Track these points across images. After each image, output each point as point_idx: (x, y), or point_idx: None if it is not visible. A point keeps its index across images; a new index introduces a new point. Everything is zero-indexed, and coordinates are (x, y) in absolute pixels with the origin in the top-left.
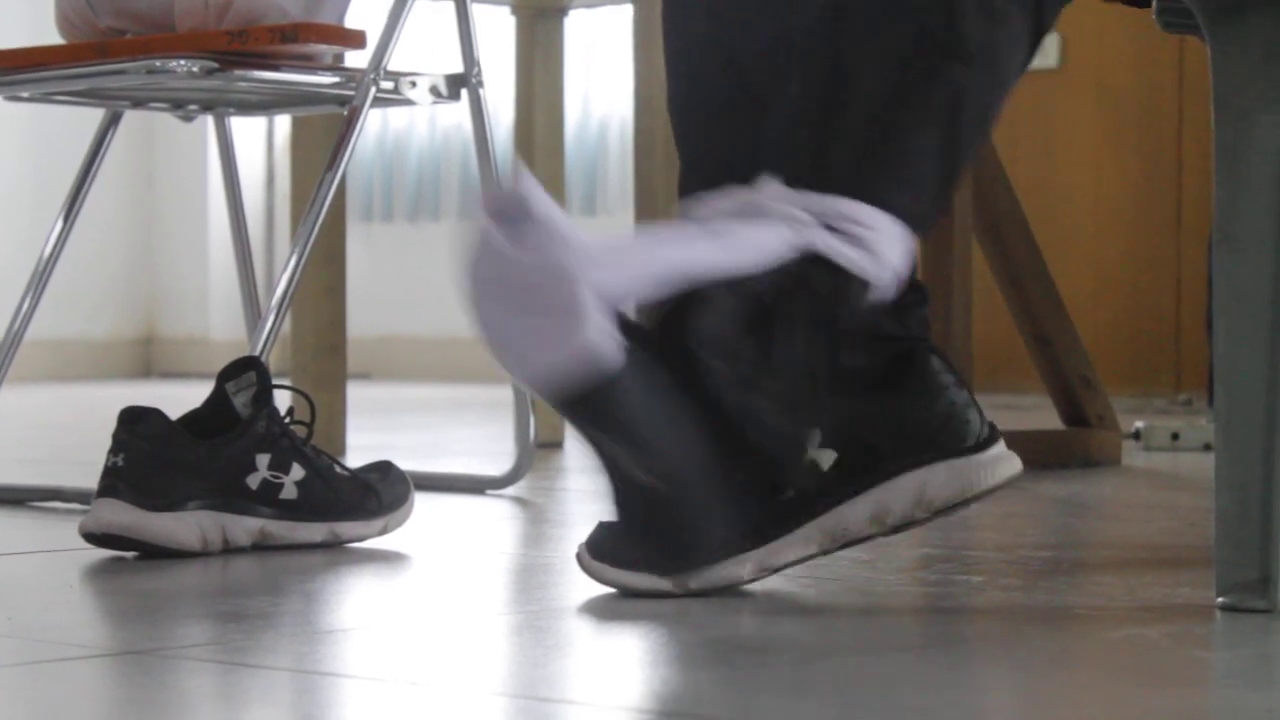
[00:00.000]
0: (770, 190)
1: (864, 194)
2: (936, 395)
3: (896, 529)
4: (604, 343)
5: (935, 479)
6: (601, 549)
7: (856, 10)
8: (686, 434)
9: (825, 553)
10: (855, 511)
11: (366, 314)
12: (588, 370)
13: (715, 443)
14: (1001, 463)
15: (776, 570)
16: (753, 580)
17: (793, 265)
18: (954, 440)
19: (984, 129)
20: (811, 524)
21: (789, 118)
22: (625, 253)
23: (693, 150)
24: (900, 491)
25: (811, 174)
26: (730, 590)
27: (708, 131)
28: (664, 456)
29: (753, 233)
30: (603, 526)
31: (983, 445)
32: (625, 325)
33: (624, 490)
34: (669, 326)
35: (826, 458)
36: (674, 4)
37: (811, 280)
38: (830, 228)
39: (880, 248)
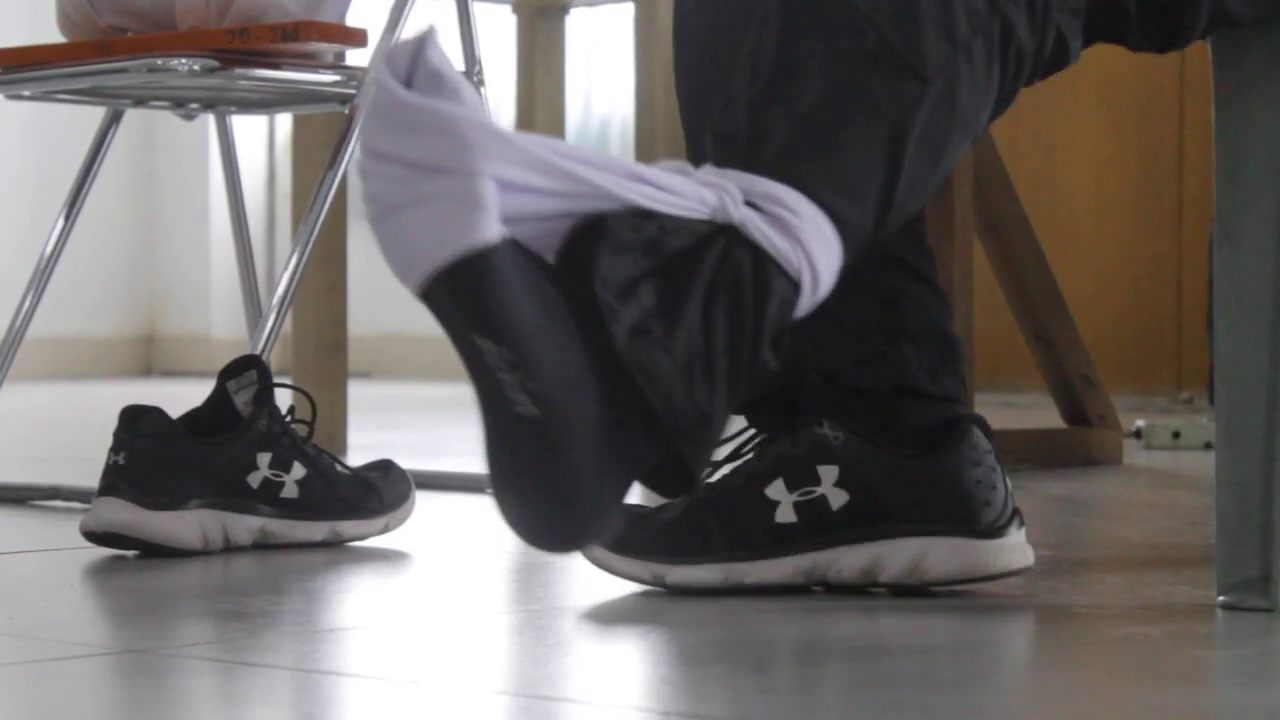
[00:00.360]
0: (706, 168)
1: (794, 182)
2: (967, 469)
3: (887, 587)
4: (490, 218)
5: (937, 552)
6: None
7: (814, 9)
8: (574, 362)
9: (807, 586)
10: (850, 558)
11: (368, 312)
12: (471, 241)
13: (607, 389)
14: (1010, 552)
15: (751, 587)
16: (726, 589)
17: (709, 231)
18: (968, 518)
19: (935, 162)
20: (805, 556)
21: (729, 100)
22: (530, 140)
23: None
24: (899, 553)
25: (745, 156)
26: (726, 591)
27: (692, 134)
28: (546, 374)
29: (675, 180)
30: None
31: (997, 531)
32: (514, 238)
33: (500, 428)
34: (565, 260)
35: (838, 498)
36: (676, 29)
37: (726, 252)
38: (754, 206)
39: (803, 236)
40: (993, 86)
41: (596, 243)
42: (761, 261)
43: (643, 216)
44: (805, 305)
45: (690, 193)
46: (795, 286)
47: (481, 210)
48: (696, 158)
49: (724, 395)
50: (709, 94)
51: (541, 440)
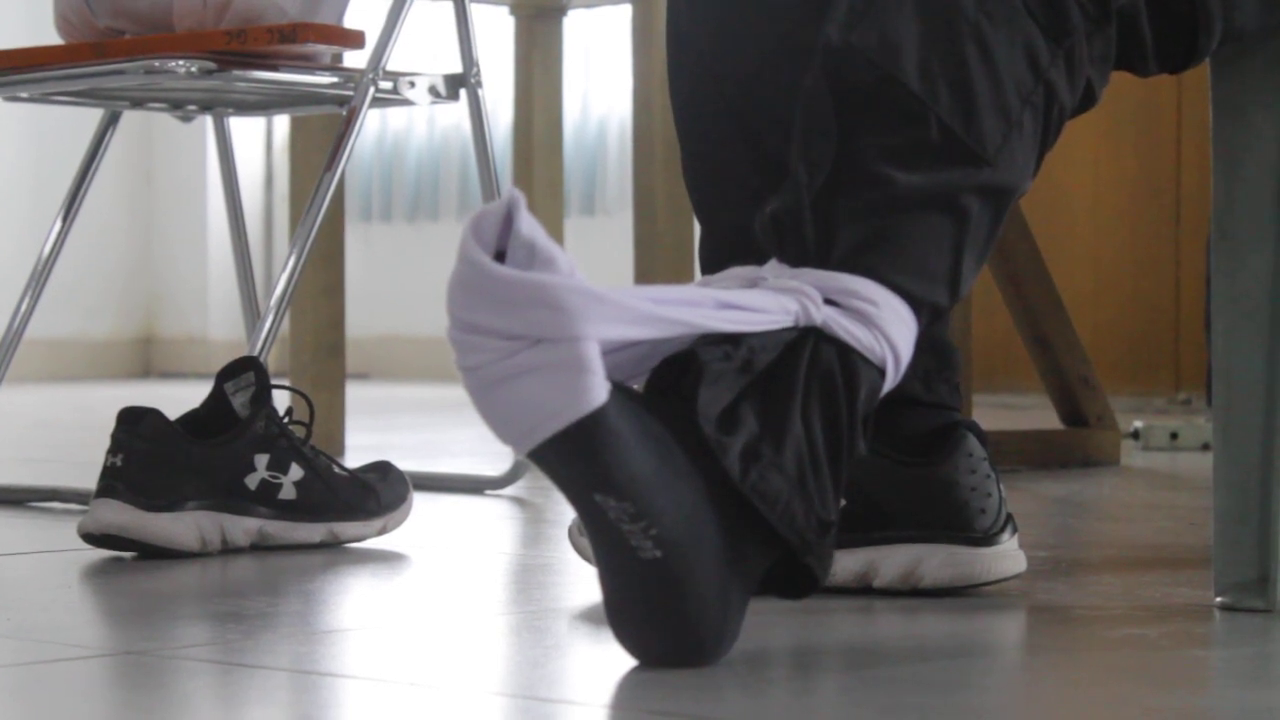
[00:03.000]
0: (775, 268)
1: (868, 272)
2: (962, 477)
3: (882, 592)
4: (598, 380)
5: (931, 559)
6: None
7: (865, 96)
8: (692, 499)
9: None
10: (845, 562)
11: (365, 314)
12: (583, 407)
13: (725, 517)
14: (1003, 560)
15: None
16: None
17: (795, 338)
18: (962, 526)
19: (994, 229)
20: None
21: (795, 197)
22: (624, 294)
23: (707, 212)
24: (894, 559)
25: (816, 254)
26: None
27: (719, 188)
28: (668, 518)
29: (758, 298)
30: None
31: (990, 538)
32: (615, 384)
33: (621, 572)
34: (659, 389)
35: None
36: (669, 35)
37: (814, 354)
38: (832, 302)
39: (882, 324)
40: (1038, 147)
41: (694, 379)
42: (847, 356)
43: (732, 342)
44: (889, 387)
45: (774, 306)
46: (880, 373)
47: (589, 374)
48: (691, 160)
49: (834, 495)
50: (702, 96)
51: (665, 579)
